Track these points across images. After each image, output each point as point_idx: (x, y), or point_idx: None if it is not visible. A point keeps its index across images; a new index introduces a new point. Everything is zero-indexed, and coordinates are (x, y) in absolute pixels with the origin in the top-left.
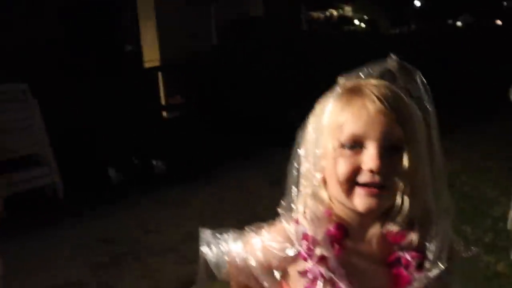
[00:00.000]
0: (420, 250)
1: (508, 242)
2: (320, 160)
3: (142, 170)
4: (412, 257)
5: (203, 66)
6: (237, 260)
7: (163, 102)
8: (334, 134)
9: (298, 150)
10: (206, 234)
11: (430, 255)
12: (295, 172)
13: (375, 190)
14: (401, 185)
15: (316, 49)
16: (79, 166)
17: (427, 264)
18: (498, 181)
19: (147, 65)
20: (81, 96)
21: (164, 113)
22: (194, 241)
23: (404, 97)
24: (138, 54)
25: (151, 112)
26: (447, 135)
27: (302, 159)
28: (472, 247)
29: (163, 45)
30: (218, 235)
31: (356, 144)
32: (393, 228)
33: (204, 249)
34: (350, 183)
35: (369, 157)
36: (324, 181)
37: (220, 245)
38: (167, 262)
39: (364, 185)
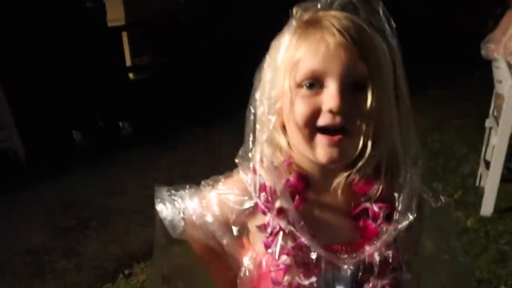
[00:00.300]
0: (388, 200)
1: (477, 198)
2: (276, 101)
3: (108, 132)
4: (380, 208)
5: (171, 24)
6: (194, 217)
7: (129, 63)
8: (291, 72)
9: (255, 93)
10: (160, 191)
11: (399, 206)
12: (251, 117)
13: (336, 138)
14: (364, 126)
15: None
16: (43, 129)
17: (396, 215)
18: (467, 138)
19: (110, 24)
20: (41, 56)
21: (131, 75)
22: None
23: (368, 29)
24: (100, 10)
25: (116, 73)
26: (421, 92)
27: (258, 103)
28: (442, 197)
29: (127, 1)
30: (174, 192)
31: (315, 82)
32: (358, 176)
33: (159, 207)
34: (310, 128)
35: (329, 96)
36: (283, 127)
37: (175, 202)
38: (133, 225)
39: (325, 130)
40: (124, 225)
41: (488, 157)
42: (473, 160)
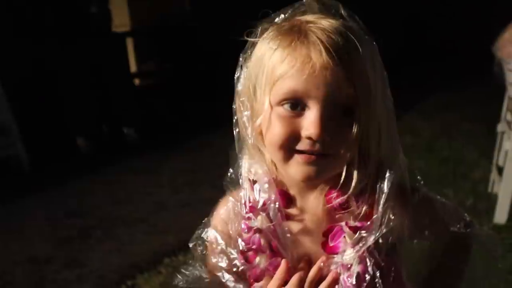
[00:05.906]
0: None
1: (490, 205)
2: (257, 117)
3: (113, 138)
4: (351, 228)
5: (177, 30)
6: None
7: (134, 68)
8: (271, 88)
9: (236, 102)
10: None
11: (371, 224)
12: (235, 131)
13: (314, 157)
14: (349, 154)
15: None
16: (46, 136)
17: (361, 233)
18: (478, 143)
19: (115, 30)
20: (45, 62)
21: (137, 81)
22: (166, 211)
23: (357, 43)
24: (106, 16)
25: (121, 79)
26: (429, 97)
27: (238, 114)
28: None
29: (132, 7)
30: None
31: (297, 103)
32: (337, 199)
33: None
34: (287, 149)
35: (310, 122)
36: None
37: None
38: (138, 233)
39: (303, 151)
40: (128, 234)
41: (500, 163)
42: (484, 165)
